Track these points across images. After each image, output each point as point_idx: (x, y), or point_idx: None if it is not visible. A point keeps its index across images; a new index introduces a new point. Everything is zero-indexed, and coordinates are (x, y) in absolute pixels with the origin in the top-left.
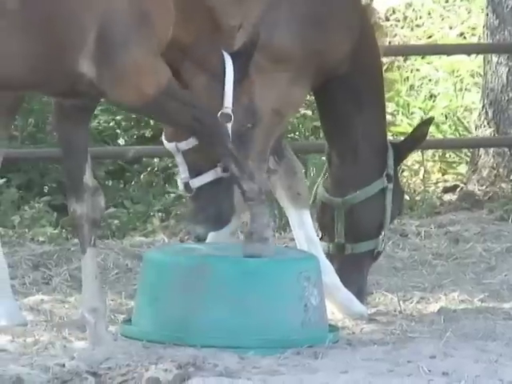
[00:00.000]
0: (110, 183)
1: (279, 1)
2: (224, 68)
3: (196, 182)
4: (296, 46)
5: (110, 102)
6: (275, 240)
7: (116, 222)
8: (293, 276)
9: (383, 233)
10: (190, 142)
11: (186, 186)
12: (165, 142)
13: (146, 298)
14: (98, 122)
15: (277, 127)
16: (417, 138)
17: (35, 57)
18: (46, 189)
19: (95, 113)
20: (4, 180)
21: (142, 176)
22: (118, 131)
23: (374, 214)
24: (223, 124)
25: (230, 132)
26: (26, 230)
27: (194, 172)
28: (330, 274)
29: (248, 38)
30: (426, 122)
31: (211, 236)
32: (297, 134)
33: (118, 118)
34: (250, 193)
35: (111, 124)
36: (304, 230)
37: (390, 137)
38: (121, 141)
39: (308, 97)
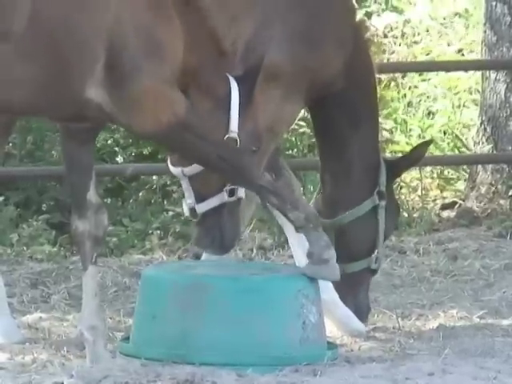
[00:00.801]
0: (109, 201)
1: (272, 19)
2: (229, 93)
3: (202, 207)
4: (288, 64)
5: (122, 127)
6: (275, 258)
7: (114, 239)
8: (291, 293)
9: (376, 251)
10: (196, 168)
11: (192, 210)
12: (170, 167)
13: (144, 316)
14: (97, 140)
15: (271, 144)
16: (414, 158)
17: (41, 82)
18: (44, 207)
19: None
20: (2, 198)
21: (140, 194)
22: (117, 149)
23: (366, 233)
24: (250, 158)
25: (258, 163)
26: (25, 248)
27: (200, 197)
28: (328, 291)
29: (253, 62)
30: (426, 144)
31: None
32: (294, 151)
33: (117, 135)
34: (297, 222)
35: (109, 142)
36: (302, 247)
37: (387, 154)
38: (119, 158)
39: (306, 114)
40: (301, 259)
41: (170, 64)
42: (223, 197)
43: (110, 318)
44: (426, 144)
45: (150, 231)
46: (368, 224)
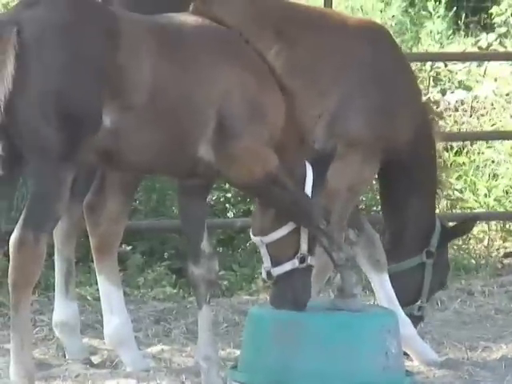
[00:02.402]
0: (221, 250)
1: (354, 93)
2: (304, 175)
3: (276, 271)
4: (368, 133)
5: (224, 180)
6: (363, 298)
7: (225, 282)
8: (376, 329)
9: (420, 301)
10: (272, 237)
11: (268, 273)
12: (252, 236)
13: (251, 348)
14: (211, 198)
15: (351, 202)
16: (462, 230)
17: (162, 145)
18: (166, 255)
19: None
20: (130, 247)
21: (247, 244)
22: (227, 206)
23: (410, 284)
24: (316, 205)
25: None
26: (149, 290)
27: (275, 262)
28: (407, 327)
29: (328, 149)
30: (472, 221)
31: None
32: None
33: (228, 194)
34: (339, 261)
35: (221, 199)
36: (384, 290)
37: (457, 211)
38: (229, 214)
39: None
40: (383, 299)
41: (269, 128)
42: (295, 263)
43: (222, 350)
44: (473, 221)
45: (256, 275)
46: (413, 277)
